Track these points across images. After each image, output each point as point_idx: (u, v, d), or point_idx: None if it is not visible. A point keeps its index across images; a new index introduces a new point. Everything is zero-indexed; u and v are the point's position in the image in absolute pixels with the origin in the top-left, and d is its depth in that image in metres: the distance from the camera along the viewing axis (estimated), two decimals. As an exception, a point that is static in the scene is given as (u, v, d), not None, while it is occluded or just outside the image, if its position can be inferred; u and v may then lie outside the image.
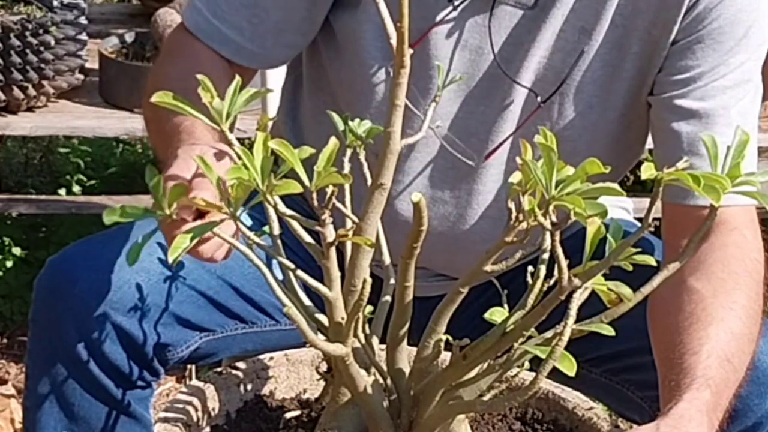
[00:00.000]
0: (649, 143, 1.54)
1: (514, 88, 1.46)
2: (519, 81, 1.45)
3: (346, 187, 1.16)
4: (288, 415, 1.32)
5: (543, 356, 1.00)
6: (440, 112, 1.47)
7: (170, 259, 1.04)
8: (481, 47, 1.45)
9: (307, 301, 1.19)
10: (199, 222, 1.13)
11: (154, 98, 1.10)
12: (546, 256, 1.07)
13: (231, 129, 1.12)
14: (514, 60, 1.45)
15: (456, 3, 1.42)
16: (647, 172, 0.97)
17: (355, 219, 1.11)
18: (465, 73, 1.45)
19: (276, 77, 2.09)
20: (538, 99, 1.45)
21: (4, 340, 2.87)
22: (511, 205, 1.01)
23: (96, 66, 2.89)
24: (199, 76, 1.10)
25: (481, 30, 1.43)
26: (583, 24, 1.43)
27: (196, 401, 1.29)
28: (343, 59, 1.51)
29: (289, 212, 1.12)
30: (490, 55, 1.44)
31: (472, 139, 1.49)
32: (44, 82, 2.74)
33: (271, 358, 1.38)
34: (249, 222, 1.54)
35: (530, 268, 1.10)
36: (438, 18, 1.43)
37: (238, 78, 1.11)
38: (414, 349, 1.17)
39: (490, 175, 1.51)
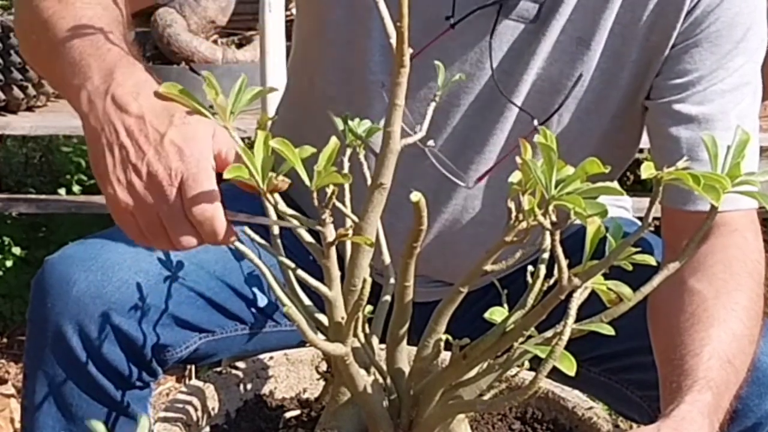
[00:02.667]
0: (646, 142, 1.54)
1: (512, 108, 1.45)
2: (517, 96, 1.44)
3: (346, 186, 1.16)
4: (288, 414, 1.32)
5: (543, 356, 1.00)
6: (434, 130, 1.46)
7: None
8: (481, 64, 1.44)
9: (306, 301, 1.19)
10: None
11: (162, 89, 1.11)
12: (546, 255, 1.07)
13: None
14: (513, 74, 1.44)
15: (453, 22, 1.42)
16: (647, 171, 0.97)
17: (355, 219, 1.11)
18: (463, 91, 1.45)
19: (276, 76, 2.10)
20: (535, 122, 1.45)
21: (4, 340, 2.88)
22: (511, 204, 1.01)
23: (96, 65, 2.89)
24: (204, 73, 1.10)
25: (483, 48, 1.43)
26: (581, 35, 1.43)
27: (195, 401, 1.29)
28: (342, 74, 1.50)
29: (290, 211, 1.12)
30: (489, 73, 1.44)
31: (467, 157, 1.48)
32: (44, 82, 2.74)
33: (271, 358, 1.38)
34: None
35: (530, 268, 1.10)
36: (435, 36, 1.42)
37: (244, 75, 1.11)
38: (414, 349, 1.17)
39: (486, 195, 1.50)
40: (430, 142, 1.46)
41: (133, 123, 1.11)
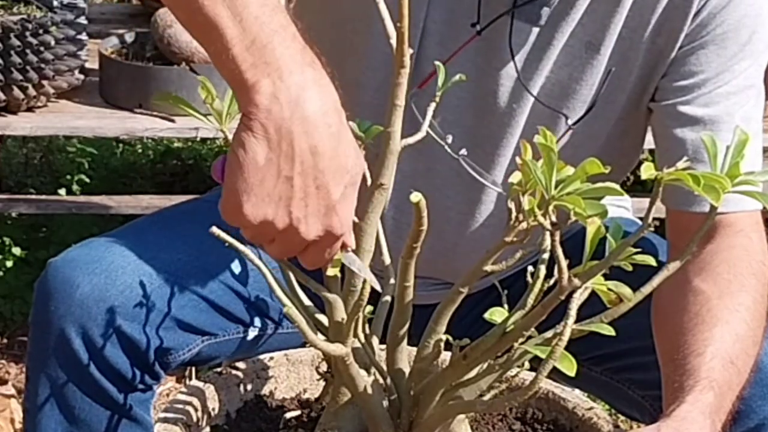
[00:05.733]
0: (649, 143, 1.54)
1: (540, 108, 1.45)
2: (531, 95, 1.44)
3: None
4: (288, 415, 1.32)
5: (543, 356, 1.00)
6: (463, 134, 1.46)
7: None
8: (504, 67, 1.44)
9: (307, 302, 1.19)
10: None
11: (156, 99, 1.09)
12: (546, 256, 1.07)
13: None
14: (526, 77, 1.44)
15: (479, 28, 1.42)
16: (647, 172, 0.97)
17: (356, 219, 1.11)
18: (489, 96, 1.45)
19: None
20: (569, 122, 1.44)
21: (4, 340, 2.87)
22: (511, 205, 1.01)
23: (96, 66, 2.89)
24: (200, 78, 1.10)
25: (504, 51, 1.42)
26: (590, 39, 1.42)
27: (196, 401, 1.29)
28: (377, 62, 1.48)
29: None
30: (512, 77, 1.43)
31: (495, 159, 1.48)
32: (44, 82, 2.74)
33: (271, 358, 1.38)
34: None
35: (530, 269, 1.10)
36: (462, 43, 1.42)
37: None
38: (414, 349, 1.17)
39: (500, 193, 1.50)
40: (463, 151, 1.45)
41: (312, 169, 1.02)
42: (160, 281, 1.44)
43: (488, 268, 1.06)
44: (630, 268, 1.03)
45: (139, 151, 3.72)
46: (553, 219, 0.97)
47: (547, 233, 1.03)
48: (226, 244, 1.12)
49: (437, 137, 1.36)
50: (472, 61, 1.42)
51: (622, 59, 1.43)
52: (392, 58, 1.43)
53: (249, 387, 1.35)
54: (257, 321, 1.55)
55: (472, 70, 1.40)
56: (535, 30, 1.42)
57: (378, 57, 1.46)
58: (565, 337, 0.98)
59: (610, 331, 1.04)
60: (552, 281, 1.05)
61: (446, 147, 1.41)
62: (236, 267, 1.52)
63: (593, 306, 1.06)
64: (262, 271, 1.14)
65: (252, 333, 1.55)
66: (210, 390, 1.31)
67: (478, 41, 1.42)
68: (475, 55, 1.43)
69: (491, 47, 1.43)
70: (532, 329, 1.06)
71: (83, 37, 2.90)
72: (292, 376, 1.38)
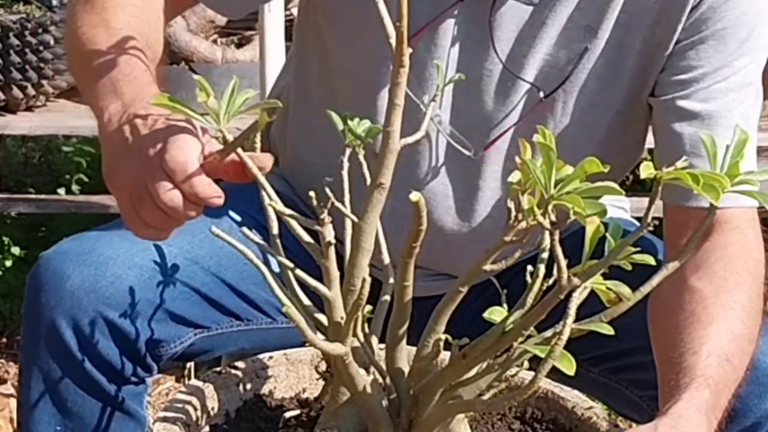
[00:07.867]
0: (649, 142, 1.55)
1: (517, 82, 1.46)
2: (521, 76, 1.45)
3: (346, 186, 1.16)
4: (287, 414, 1.32)
5: (542, 355, 1.00)
6: (441, 104, 1.47)
7: None
8: (486, 41, 1.45)
9: (306, 301, 1.19)
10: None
11: (152, 101, 1.11)
12: (545, 255, 1.07)
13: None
14: (518, 55, 1.45)
15: None
16: (646, 171, 0.97)
17: (355, 218, 1.11)
18: (468, 66, 1.46)
19: (275, 76, 2.10)
20: (540, 94, 1.46)
21: (4, 340, 2.88)
22: (511, 204, 1.01)
23: (95, 65, 2.88)
24: (196, 77, 1.10)
25: (485, 24, 1.44)
26: (589, 23, 1.44)
27: (195, 401, 1.29)
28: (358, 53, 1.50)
29: (288, 211, 1.12)
30: (492, 49, 1.45)
31: (473, 132, 1.49)
32: (43, 82, 2.74)
33: (271, 358, 1.38)
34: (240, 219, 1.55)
35: (530, 268, 1.10)
36: (446, 8, 1.43)
37: (236, 78, 1.11)
38: (413, 349, 1.17)
39: (491, 170, 1.51)
40: (436, 118, 1.46)
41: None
42: (151, 273, 1.44)
43: (487, 267, 1.06)
44: (629, 268, 1.03)
45: (139, 150, 3.72)
46: (553, 218, 0.98)
47: (547, 232, 1.03)
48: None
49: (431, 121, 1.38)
50: (456, 32, 1.43)
51: (619, 45, 1.45)
52: (375, 54, 1.45)
53: (248, 386, 1.35)
54: (249, 314, 1.55)
55: (456, 40, 1.42)
56: (524, 7, 1.43)
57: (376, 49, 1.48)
58: (565, 337, 0.98)
59: (609, 331, 1.04)
60: (551, 280, 1.05)
61: (422, 106, 1.42)
62: (229, 261, 1.52)
63: (593, 305, 1.06)
64: (261, 270, 1.14)
65: (246, 327, 1.55)
66: (209, 389, 1.31)
67: (465, 12, 1.43)
68: (460, 25, 1.44)
69: (476, 19, 1.44)
70: (532, 328, 1.06)
71: (82, 36, 2.89)
72: (291, 375, 1.38)
